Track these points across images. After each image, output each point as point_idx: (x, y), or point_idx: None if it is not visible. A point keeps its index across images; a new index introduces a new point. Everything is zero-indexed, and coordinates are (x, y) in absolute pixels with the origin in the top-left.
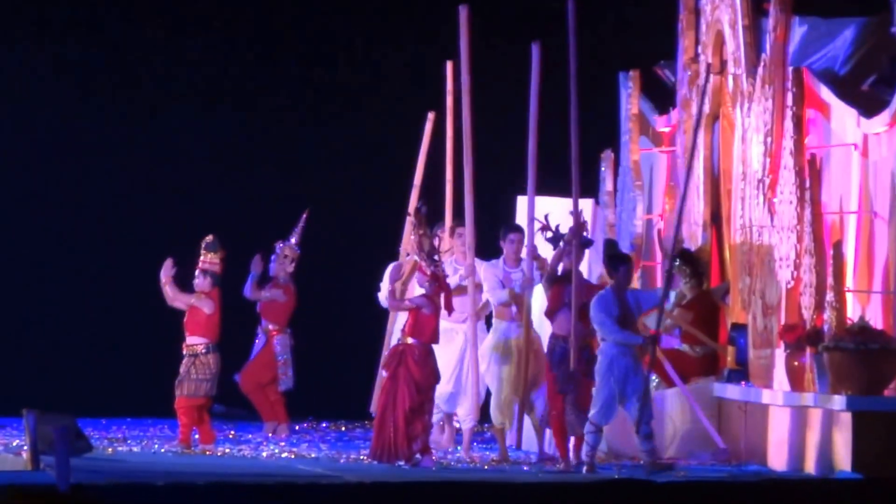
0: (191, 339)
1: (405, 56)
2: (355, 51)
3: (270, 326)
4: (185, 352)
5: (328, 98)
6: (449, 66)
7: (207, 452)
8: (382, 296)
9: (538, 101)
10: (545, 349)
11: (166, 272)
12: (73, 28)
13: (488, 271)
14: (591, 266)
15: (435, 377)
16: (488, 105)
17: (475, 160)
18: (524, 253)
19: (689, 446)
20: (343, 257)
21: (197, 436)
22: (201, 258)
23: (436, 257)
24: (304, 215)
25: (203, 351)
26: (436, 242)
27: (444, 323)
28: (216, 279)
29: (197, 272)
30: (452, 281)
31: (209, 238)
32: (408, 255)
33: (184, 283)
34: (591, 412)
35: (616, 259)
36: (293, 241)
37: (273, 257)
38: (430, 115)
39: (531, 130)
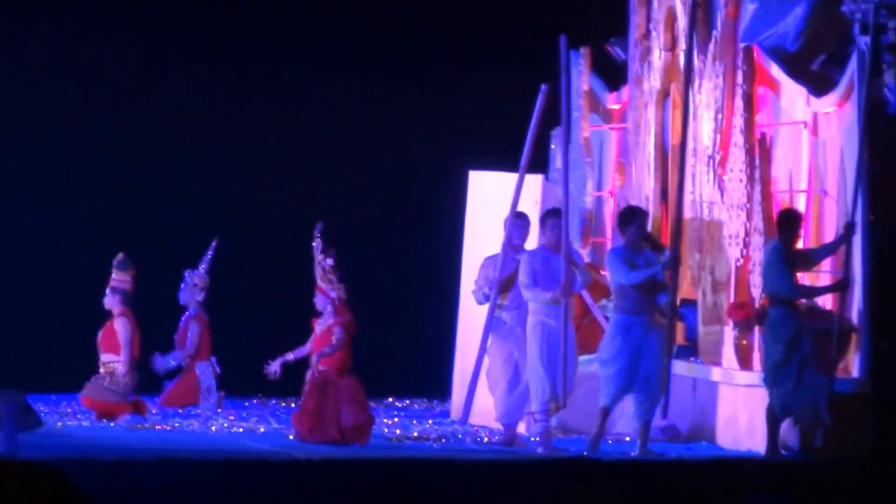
0: (107, 357)
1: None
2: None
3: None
4: (102, 370)
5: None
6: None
7: (157, 427)
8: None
9: None
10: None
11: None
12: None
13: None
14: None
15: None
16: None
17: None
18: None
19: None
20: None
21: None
22: (112, 276)
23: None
24: (213, 244)
25: (123, 370)
26: None
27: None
28: (126, 297)
29: (107, 290)
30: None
31: (119, 256)
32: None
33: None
34: None
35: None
36: (201, 269)
37: (183, 286)
38: (544, 87)
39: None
